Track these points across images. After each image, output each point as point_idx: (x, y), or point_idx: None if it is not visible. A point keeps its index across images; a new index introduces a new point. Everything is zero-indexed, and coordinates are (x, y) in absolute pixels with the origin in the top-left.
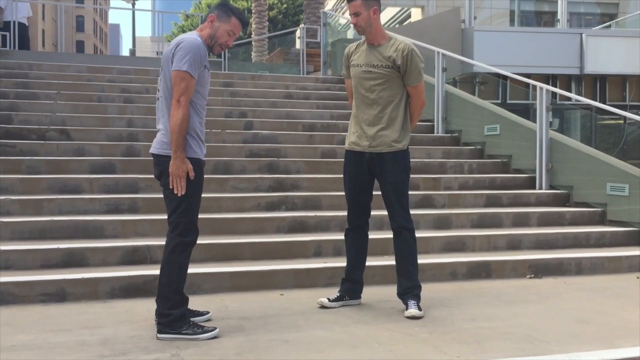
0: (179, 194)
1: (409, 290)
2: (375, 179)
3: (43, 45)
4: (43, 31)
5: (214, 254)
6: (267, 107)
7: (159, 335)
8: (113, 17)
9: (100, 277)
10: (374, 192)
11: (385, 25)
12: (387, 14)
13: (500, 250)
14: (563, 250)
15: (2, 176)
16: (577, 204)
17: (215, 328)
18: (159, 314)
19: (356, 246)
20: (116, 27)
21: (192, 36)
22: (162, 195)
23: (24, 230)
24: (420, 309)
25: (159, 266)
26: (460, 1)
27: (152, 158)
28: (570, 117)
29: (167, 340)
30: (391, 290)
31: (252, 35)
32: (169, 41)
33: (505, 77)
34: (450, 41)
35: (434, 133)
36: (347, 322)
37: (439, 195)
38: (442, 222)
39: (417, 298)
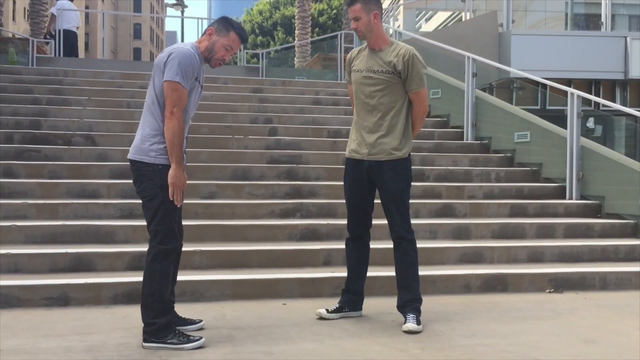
0: (178, 205)
1: (408, 304)
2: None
3: (103, 52)
4: (103, 39)
5: (221, 261)
6: (294, 113)
7: (144, 344)
8: (170, 25)
9: (103, 283)
10: (377, 201)
11: (436, 30)
12: (438, 19)
13: (520, 263)
14: (589, 264)
15: (22, 180)
16: (609, 216)
17: (202, 338)
18: (144, 323)
19: (356, 256)
20: (173, 35)
21: (185, 47)
22: None
23: (37, 234)
24: (419, 323)
25: None
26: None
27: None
28: (613, 125)
29: (152, 350)
30: (396, 302)
31: (296, 41)
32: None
33: (544, 84)
34: (487, 46)
35: (463, 140)
36: (341, 335)
37: (460, 204)
38: (460, 232)
39: (417, 312)
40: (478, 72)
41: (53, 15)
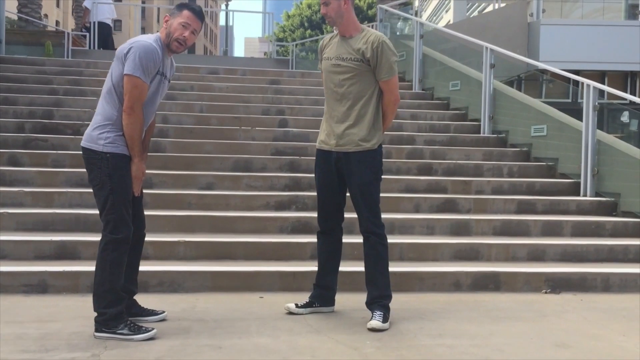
0: (137, 194)
1: (375, 300)
2: None
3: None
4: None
5: (206, 252)
6: (307, 104)
7: (95, 334)
8: (225, 19)
9: (81, 271)
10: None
11: (462, 21)
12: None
13: (518, 261)
14: (594, 264)
15: (24, 169)
16: (624, 214)
17: (153, 329)
18: (95, 312)
19: (326, 250)
20: (229, 29)
21: (148, 40)
22: (173, 191)
23: (28, 221)
24: (385, 321)
25: (149, 262)
26: None
27: (164, 154)
28: None
29: (101, 340)
30: None
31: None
32: (271, 41)
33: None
34: (515, 36)
35: (480, 133)
36: (300, 331)
37: (464, 199)
38: (460, 228)
39: (384, 309)
40: (505, 64)
41: (87, 9)
